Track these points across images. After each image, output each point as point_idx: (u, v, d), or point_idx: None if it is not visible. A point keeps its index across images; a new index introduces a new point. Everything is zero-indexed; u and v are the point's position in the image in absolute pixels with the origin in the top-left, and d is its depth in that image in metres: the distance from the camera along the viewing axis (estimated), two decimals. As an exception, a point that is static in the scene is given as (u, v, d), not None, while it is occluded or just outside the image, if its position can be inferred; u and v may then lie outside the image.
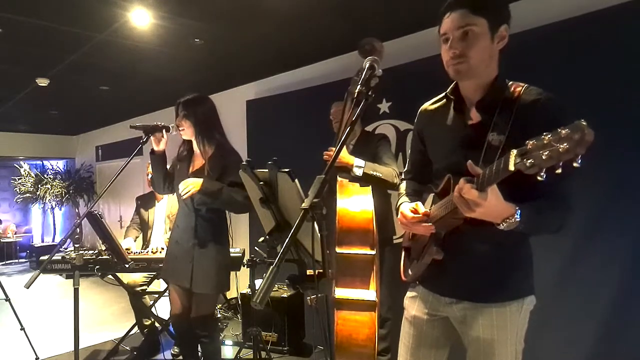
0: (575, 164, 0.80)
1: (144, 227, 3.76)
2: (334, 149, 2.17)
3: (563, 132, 0.81)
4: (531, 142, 0.86)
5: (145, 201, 3.82)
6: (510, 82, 1.26)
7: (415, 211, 1.34)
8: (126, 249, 3.38)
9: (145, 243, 3.68)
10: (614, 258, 2.11)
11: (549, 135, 0.83)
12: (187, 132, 2.35)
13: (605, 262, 2.13)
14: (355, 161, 2.27)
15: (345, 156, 2.27)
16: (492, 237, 1.21)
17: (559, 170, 0.82)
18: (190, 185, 2.20)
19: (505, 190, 1.05)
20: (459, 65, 1.23)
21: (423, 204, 1.43)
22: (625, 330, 2.10)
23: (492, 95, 1.25)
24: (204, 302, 2.37)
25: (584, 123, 0.79)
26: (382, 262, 2.15)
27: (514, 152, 0.90)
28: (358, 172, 2.26)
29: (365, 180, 2.21)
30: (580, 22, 2.23)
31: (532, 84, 1.24)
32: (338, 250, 1.22)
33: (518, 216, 1.06)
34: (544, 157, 0.83)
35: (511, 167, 0.90)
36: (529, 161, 0.85)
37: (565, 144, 0.80)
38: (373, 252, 1.23)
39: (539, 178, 0.85)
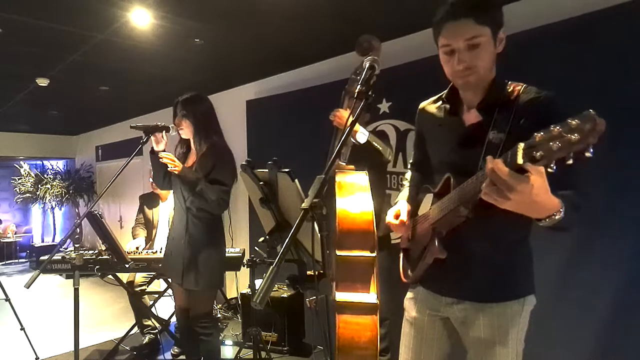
0: (587, 154, 0.79)
1: (149, 226, 3.76)
2: (342, 110, 2.21)
3: (573, 122, 0.80)
4: (539, 135, 0.84)
5: (149, 200, 3.81)
6: (509, 82, 1.26)
7: (396, 215, 1.39)
8: (137, 247, 3.39)
9: (150, 243, 3.68)
10: (614, 258, 2.11)
11: (558, 127, 0.82)
12: (186, 132, 2.37)
13: (606, 262, 2.13)
14: (360, 128, 2.30)
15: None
16: (492, 236, 1.21)
17: (570, 162, 0.81)
18: (172, 161, 2.23)
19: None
20: (468, 77, 1.21)
21: (419, 205, 1.44)
22: (625, 331, 2.09)
23: (491, 96, 1.24)
24: (199, 300, 2.39)
25: (594, 112, 0.79)
26: (381, 261, 2.16)
27: (521, 145, 0.88)
28: (362, 139, 2.28)
29: (365, 149, 2.26)
30: (580, 22, 2.23)
31: (532, 84, 1.24)
32: (338, 252, 1.22)
33: (563, 213, 1.00)
34: (554, 149, 0.81)
35: (520, 161, 0.87)
36: (539, 153, 0.83)
37: (576, 135, 0.79)
38: (373, 255, 1.23)
39: (549, 170, 0.84)
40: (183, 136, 2.41)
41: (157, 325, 3.45)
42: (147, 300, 3.64)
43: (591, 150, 0.79)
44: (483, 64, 1.19)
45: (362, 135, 2.31)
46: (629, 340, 2.08)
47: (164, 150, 2.44)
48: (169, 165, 2.23)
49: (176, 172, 2.25)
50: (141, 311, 3.46)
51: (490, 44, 1.18)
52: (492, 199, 0.96)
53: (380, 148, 2.36)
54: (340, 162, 1.47)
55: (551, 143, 0.82)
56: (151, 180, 2.85)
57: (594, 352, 2.16)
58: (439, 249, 1.27)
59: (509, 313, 1.26)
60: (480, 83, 1.24)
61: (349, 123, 1.32)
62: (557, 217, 1.00)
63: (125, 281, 3.42)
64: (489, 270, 1.27)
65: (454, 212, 1.17)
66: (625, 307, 2.09)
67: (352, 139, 2.34)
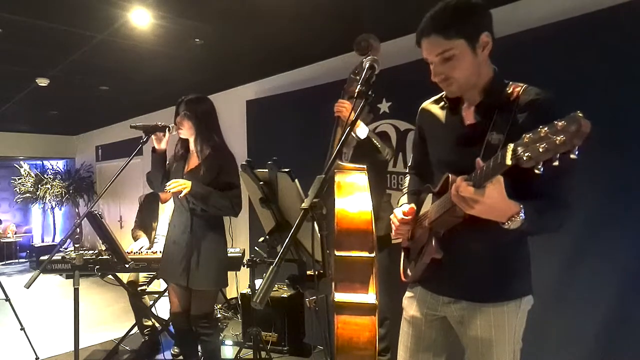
0: (572, 156, 0.81)
1: (148, 228, 3.75)
2: (346, 102, 2.23)
3: (559, 124, 0.81)
4: (528, 136, 0.86)
5: (150, 201, 3.80)
6: (510, 83, 1.26)
7: (404, 213, 1.39)
8: (140, 248, 3.37)
9: (150, 244, 3.67)
10: (613, 258, 2.11)
11: (545, 128, 0.83)
12: (186, 132, 2.36)
13: (605, 262, 2.13)
14: (361, 124, 2.33)
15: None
16: (489, 237, 1.21)
17: (556, 163, 0.83)
18: (180, 185, 2.22)
19: (506, 187, 1.04)
20: (448, 88, 1.26)
21: (422, 204, 1.44)
22: (625, 331, 2.09)
23: (491, 97, 1.25)
24: (203, 299, 2.39)
25: (580, 114, 0.80)
26: (380, 261, 2.17)
27: (510, 146, 0.90)
28: (362, 134, 2.31)
29: (363, 145, 2.30)
30: (581, 22, 2.23)
31: (532, 84, 1.24)
32: (337, 253, 1.22)
33: (522, 214, 1.06)
34: (540, 150, 0.83)
35: (508, 162, 0.90)
36: (526, 154, 0.85)
37: (561, 136, 0.80)
38: (372, 255, 1.22)
39: (536, 171, 0.86)
40: (182, 136, 2.41)
41: (157, 325, 3.45)
42: (147, 300, 3.64)
43: (577, 152, 0.80)
44: (461, 74, 1.21)
45: (362, 130, 2.32)
46: (629, 340, 2.08)
47: (165, 149, 2.44)
48: (181, 191, 2.20)
49: (188, 192, 2.23)
50: (141, 311, 3.46)
51: (466, 54, 1.19)
52: (458, 205, 1.09)
53: (379, 145, 2.38)
54: (340, 162, 1.47)
55: (538, 144, 0.83)
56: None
57: (593, 352, 2.16)
58: (436, 249, 1.27)
59: (506, 313, 1.27)
60: (465, 90, 1.26)
61: (349, 123, 1.32)
62: (518, 219, 1.06)
63: (126, 281, 3.42)
64: (486, 271, 1.28)
65: (451, 212, 1.17)
66: (624, 307, 2.09)
67: (352, 134, 2.34)
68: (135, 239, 3.67)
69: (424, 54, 1.25)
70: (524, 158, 0.85)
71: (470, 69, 1.22)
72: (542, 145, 0.82)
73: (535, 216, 1.09)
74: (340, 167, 1.41)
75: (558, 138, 0.80)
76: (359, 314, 1.17)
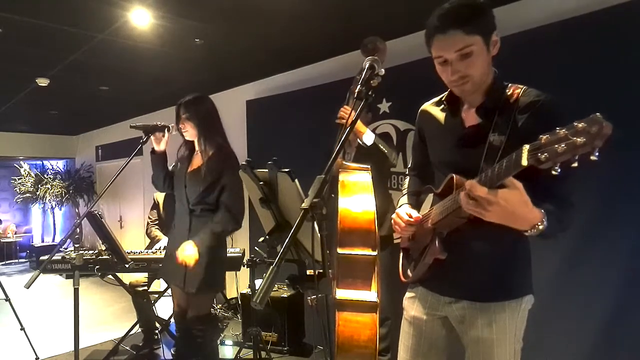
0: (593, 157, 0.80)
1: (162, 226, 3.72)
2: (346, 107, 2.24)
3: (579, 125, 0.80)
4: (545, 137, 0.85)
5: (170, 204, 3.75)
6: (510, 84, 1.26)
7: (410, 215, 1.39)
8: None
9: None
10: (613, 258, 2.11)
11: (564, 130, 0.82)
12: (190, 133, 2.35)
13: (605, 262, 2.13)
14: (367, 131, 2.36)
15: (359, 124, 2.35)
16: (492, 237, 1.21)
17: (576, 164, 0.82)
18: (188, 259, 2.18)
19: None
20: (463, 86, 1.22)
21: (421, 205, 1.44)
22: (625, 331, 2.10)
23: (492, 99, 1.25)
24: (199, 302, 2.37)
25: (600, 116, 0.79)
26: (382, 261, 2.17)
27: (526, 147, 0.88)
28: (368, 140, 2.33)
29: (371, 151, 2.33)
30: (581, 22, 2.23)
31: (532, 85, 1.24)
32: (339, 251, 1.22)
33: (546, 223, 1.03)
34: (559, 151, 0.82)
35: (524, 162, 0.88)
36: (544, 155, 0.84)
37: (582, 137, 0.79)
38: (375, 253, 1.23)
39: (553, 172, 0.85)
40: (187, 138, 2.39)
41: (157, 325, 3.45)
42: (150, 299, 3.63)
43: (597, 153, 0.79)
44: (477, 71, 1.19)
45: (368, 137, 2.33)
46: (629, 340, 2.08)
47: (164, 150, 2.43)
48: (190, 262, 2.18)
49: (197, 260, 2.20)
50: (144, 311, 3.45)
51: (482, 51, 1.18)
52: (472, 212, 1.05)
53: (386, 151, 2.40)
54: (345, 162, 1.48)
55: (556, 145, 0.82)
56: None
57: (593, 351, 2.16)
58: (440, 250, 1.27)
59: (507, 312, 1.27)
60: (477, 88, 1.24)
61: (349, 123, 1.32)
62: (540, 228, 1.04)
63: (127, 281, 3.41)
64: (488, 270, 1.28)
65: (456, 213, 1.17)
66: (624, 307, 2.09)
67: (359, 141, 2.36)
68: (152, 238, 3.64)
69: (438, 51, 1.20)
70: (542, 159, 0.84)
71: (485, 67, 1.21)
72: (562, 146, 0.81)
73: (555, 224, 1.07)
74: (344, 167, 1.41)
75: (578, 139, 0.80)
76: (361, 311, 1.17)
